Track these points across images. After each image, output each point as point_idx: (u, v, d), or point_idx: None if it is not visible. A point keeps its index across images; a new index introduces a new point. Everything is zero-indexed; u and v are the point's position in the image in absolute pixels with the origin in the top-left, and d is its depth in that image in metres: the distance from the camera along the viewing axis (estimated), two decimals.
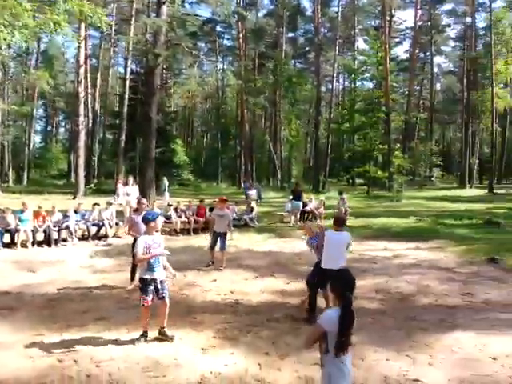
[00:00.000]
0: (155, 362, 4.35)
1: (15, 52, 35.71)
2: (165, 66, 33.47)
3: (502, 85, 35.90)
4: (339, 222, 5.86)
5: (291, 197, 14.64)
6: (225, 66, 45.84)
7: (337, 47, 39.23)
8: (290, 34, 45.45)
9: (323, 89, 46.28)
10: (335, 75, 41.07)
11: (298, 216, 14.50)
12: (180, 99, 46.60)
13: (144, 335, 4.89)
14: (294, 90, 34.81)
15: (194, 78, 37.21)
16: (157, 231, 5.12)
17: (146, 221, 5.03)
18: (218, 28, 42.29)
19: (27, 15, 11.09)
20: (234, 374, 4.12)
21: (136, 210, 7.45)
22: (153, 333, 4.95)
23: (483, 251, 9.44)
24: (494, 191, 29.40)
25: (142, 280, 4.89)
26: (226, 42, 46.42)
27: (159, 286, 4.87)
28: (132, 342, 4.81)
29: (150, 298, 4.84)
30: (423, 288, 6.93)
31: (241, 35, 35.83)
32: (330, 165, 39.70)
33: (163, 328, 4.96)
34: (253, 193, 15.20)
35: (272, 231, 12.84)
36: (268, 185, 35.35)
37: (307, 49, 48.26)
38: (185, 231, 12.15)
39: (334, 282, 2.92)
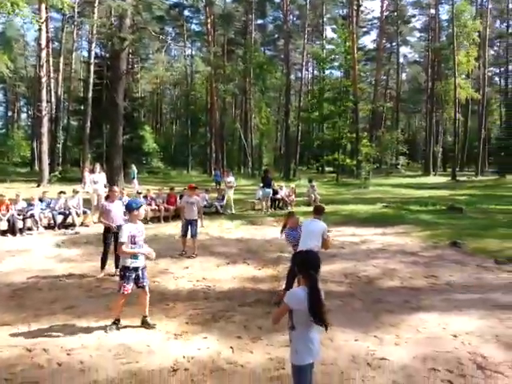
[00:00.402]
0: (127, 349, 4.34)
1: None
2: (131, 51, 32.60)
3: (464, 75, 37.14)
4: (318, 211, 6.01)
5: (261, 184, 14.71)
6: (193, 52, 45.10)
7: (305, 35, 39.33)
8: (259, 21, 45.17)
9: (293, 77, 46.41)
10: (304, 63, 41.24)
11: (269, 203, 14.61)
12: (147, 85, 45.60)
13: (116, 323, 4.85)
14: (264, 78, 34.73)
15: (162, 63, 36.37)
16: (140, 219, 5.05)
17: (129, 209, 4.96)
18: (186, 12, 41.48)
19: None
20: (206, 358, 4.16)
21: (108, 198, 7.31)
22: (125, 321, 4.92)
23: (446, 236, 9.87)
24: (457, 178, 30.68)
25: (124, 268, 4.83)
26: (194, 27, 45.62)
27: (140, 275, 4.86)
28: (103, 329, 4.77)
29: (130, 286, 4.81)
30: (389, 271, 7.20)
31: (209, 20, 35.26)
32: (300, 153, 40.12)
33: (146, 317, 4.94)
34: (231, 180, 15.08)
35: (243, 218, 12.90)
36: (239, 172, 35.33)
37: (276, 36, 48.14)
38: (155, 219, 12.00)
39: (300, 263, 3.01)
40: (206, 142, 39.39)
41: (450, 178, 31.40)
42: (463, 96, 34.79)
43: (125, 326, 4.86)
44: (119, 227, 6.77)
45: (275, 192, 15.30)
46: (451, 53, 32.97)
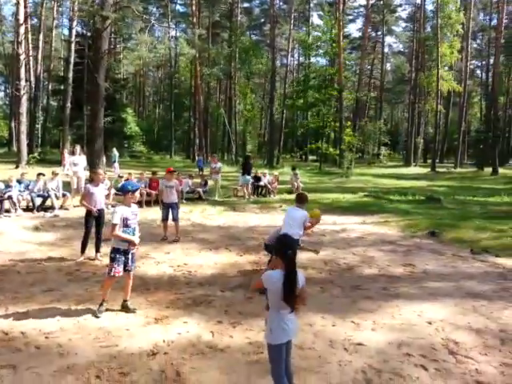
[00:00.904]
0: (107, 333, 4.33)
1: None
2: (113, 30, 31.71)
3: (446, 67, 37.57)
4: (301, 200, 6.09)
5: (242, 171, 14.70)
6: (177, 34, 44.26)
7: (292, 21, 39.03)
8: (246, 4, 44.52)
9: (278, 63, 46.15)
10: (290, 50, 40.99)
11: (250, 190, 14.61)
12: (130, 66, 44.54)
13: (103, 305, 4.84)
14: (249, 63, 34.40)
15: (145, 44, 35.51)
16: (134, 202, 5.01)
17: (125, 191, 4.91)
18: None
19: None
20: (186, 342, 4.19)
21: (92, 181, 7.20)
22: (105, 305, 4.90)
23: (424, 225, 10.09)
24: (436, 170, 31.29)
25: (115, 250, 4.80)
26: (178, 7, 44.73)
27: (130, 258, 4.86)
28: (83, 313, 4.75)
29: (121, 268, 4.80)
30: (368, 259, 7.34)
31: (194, 1, 34.54)
32: (284, 140, 40.18)
33: (126, 301, 4.94)
34: (219, 165, 14.89)
35: (226, 205, 12.89)
36: (222, 159, 35.16)
37: (262, 20, 47.61)
38: (137, 204, 11.84)
39: (276, 245, 3.10)
40: (190, 126, 38.97)
41: (429, 170, 32.00)
42: (445, 88, 35.27)
43: (105, 310, 4.84)
44: (100, 211, 6.72)
45: (258, 179, 15.33)
46: (435, 44, 33.24)
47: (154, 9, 42.87)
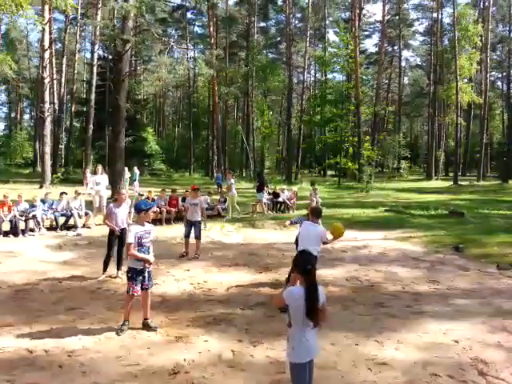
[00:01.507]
0: (128, 351, 4.34)
1: None
2: (134, 53, 32.66)
3: (466, 80, 37.14)
4: (318, 214, 5.89)
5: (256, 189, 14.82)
6: (196, 54, 45.19)
7: (307, 38, 39.43)
8: (262, 24, 45.33)
9: (295, 80, 46.52)
10: (306, 67, 41.34)
11: (265, 207, 14.47)
12: (150, 87, 45.65)
13: (125, 324, 4.87)
14: (266, 81, 34.82)
15: (165, 65, 36.44)
16: (148, 221, 5.06)
17: (138, 210, 4.96)
18: (189, 15, 41.75)
19: None
20: (207, 361, 4.17)
21: (115, 201, 7.34)
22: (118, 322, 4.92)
23: (448, 240, 9.85)
24: (459, 183, 30.62)
25: (131, 269, 4.86)
26: (196, 29, 45.86)
27: (147, 277, 4.89)
28: (105, 331, 4.78)
29: (139, 287, 4.83)
30: (391, 276, 7.18)
31: (211, 23, 35.37)
32: (302, 156, 40.19)
33: (147, 319, 4.95)
34: (230, 182, 14.97)
35: (245, 221, 12.89)
36: (241, 175, 35.36)
37: (278, 39, 48.29)
38: (157, 221, 11.98)
39: (296, 261, 3.07)
40: (208, 144, 39.46)
41: (451, 183, 31.36)
42: (465, 100, 34.80)
43: (127, 328, 4.85)
44: (123, 231, 6.80)
45: (277, 195, 15.32)
46: (453, 57, 32.98)
47: (173, 31, 44.12)
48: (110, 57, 30.36)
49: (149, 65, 44.65)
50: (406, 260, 8.32)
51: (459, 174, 34.88)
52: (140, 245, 4.83)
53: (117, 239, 6.88)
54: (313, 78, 54.28)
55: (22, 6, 11.73)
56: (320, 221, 5.98)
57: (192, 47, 43.75)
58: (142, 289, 4.88)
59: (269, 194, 15.64)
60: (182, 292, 6.30)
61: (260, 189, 14.47)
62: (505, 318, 5.21)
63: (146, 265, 4.87)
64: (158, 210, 12.21)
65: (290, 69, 36.09)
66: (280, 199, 15.25)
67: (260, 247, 9.51)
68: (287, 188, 17.12)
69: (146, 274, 4.88)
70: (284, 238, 10.29)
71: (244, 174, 37.60)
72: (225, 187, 15.91)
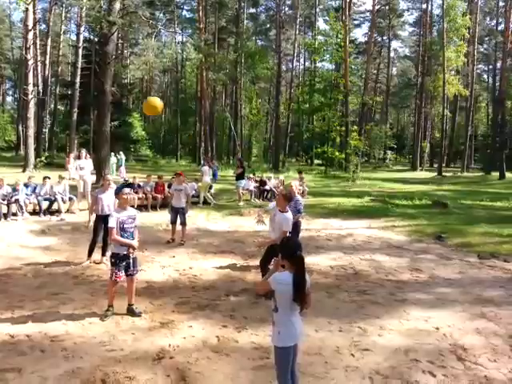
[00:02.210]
0: (112, 336, 4.33)
1: None
2: (120, 36, 31.97)
3: (453, 72, 37.41)
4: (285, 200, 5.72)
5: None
6: (184, 39, 44.46)
7: (297, 26, 39.09)
8: (252, 10, 44.71)
9: (284, 68, 46.23)
10: (296, 54, 41.08)
11: (241, 194, 14.17)
12: (137, 71, 44.84)
13: (109, 310, 4.84)
14: (255, 68, 34.50)
15: (152, 49, 35.79)
16: (130, 205, 5.03)
17: (115, 194, 4.98)
18: None
19: None
20: (192, 347, 4.18)
21: (101, 186, 7.26)
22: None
23: (431, 230, 10.02)
24: (443, 174, 31.08)
25: (114, 254, 4.82)
26: (185, 13, 45.01)
27: (131, 263, 4.84)
28: (88, 316, 4.75)
29: (122, 273, 4.80)
30: (375, 264, 7.28)
31: (200, 7, 34.72)
32: (290, 144, 40.20)
33: (131, 305, 4.93)
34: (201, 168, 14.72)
35: (230, 209, 12.88)
36: (228, 163, 35.21)
37: (268, 26, 47.78)
38: (143, 207, 11.86)
39: (284, 247, 3.07)
40: (196, 131, 39.10)
41: (436, 174, 31.81)
42: (452, 92, 35.10)
43: (111, 314, 4.82)
44: (108, 216, 6.71)
45: (263, 183, 15.33)
46: (441, 48, 33.14)
47: (161, 14, 43.16)
48: (96, 39, 29.65)
49: (136, 48, 43.88)
50: (389, 248, 8.44)
51: (443, 165, 35.39)
52: (123, 230, 4.78)
53: (103, 225, 6.80)
54: (302, 67, 53.99)
55: None
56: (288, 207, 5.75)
57: (180, 31, 42.98)
58: (127, 275, 4.85)
59: (255, 181, 15.63)
60: (167, 278, 6.29)
61: (240, 176, 14.19)
62: (484, 306, 5.35)
63: (130, 250, 4.82)
64: (144, 195, 12.10)
65: (280, 56, 35.81)
66: (267, 187, 15.27)
67: (246, 235, 9.52)
68: (274, 176, 17.14)
69: (131, 261, 4.83)
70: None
71: (231, 162, 37.47)
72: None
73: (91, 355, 3.94)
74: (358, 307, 5.29)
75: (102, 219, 6.69)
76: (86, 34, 32.19)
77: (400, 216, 11.91)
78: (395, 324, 4.80)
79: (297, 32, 38.83)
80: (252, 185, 15.14)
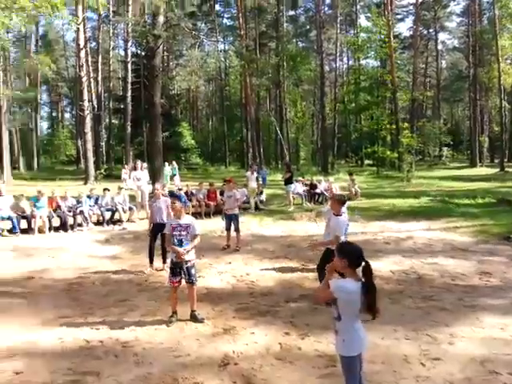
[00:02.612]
0: (178, 342, 4.45)
1: (15, 37, 35.32)
2: (165, 48, 33.03)
3: (508, 60, 35.04)
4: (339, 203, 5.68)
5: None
6: (226, 47, 45.25)
7: (338, 25, 38.44)
8: (291, 13, 44.60)
9: (327, 68, 45.60)
10: (338, 54, 40.42)
11: (292, 198, 14.06)
12: (183, 82, 46.27)
13: (173, 316, 4.99)
14: (297, 70, 34.35)
15: (196, 59, 36.72)
16: (182, 214, 5.09)
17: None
18: (217, 7, 41.71)
19: None
20: (255, 353, 4.20)
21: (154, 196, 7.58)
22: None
23: (498, 230, 9.42)
24: (506, 170, 29.11)
25: (171, 261, 5.02)
26: (225, 21, 45.84)
27: (185, 270, 4.93)
28: (154, 323, 4.92)
29: (176, 279, 4.93)
30: (439, 267, 6.95)
31: (240, 14, 35.15)
32: (338, 146, 39.50)
33: (194, 311, 5.04)
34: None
35: (282, 214, 12.85)
36: (276, 167, 35.26)
37: (308, 27, 47.44)
38: (196, 215, 12.14)
39: (342, 252, 2.88)
40: (243, 137, 39.54)
41: (498, 170, 29.86)
42: (508, 82, 32.81)
43: (175, 320, 4.96)
44: (162, 225, 6.94)
45: (314, 186, 15.19)
46: (494, 37, 31.19)
47: (203, 24, 44.21)
48: (143, 53, 30.88)
49: (180, 60, 45.20)
50: (453, 251, 8.02)
51: (505, 160, 33.16)
52: (175, 237, 4.94)
53: (159, 233, 7.04)
54: (345, 65, 53.00)
55: (57, 7, 12.03)
56: (344, 208, 5.76)
57: (222, 40, 43.83)
58: (186, 282, 4.98)
59: (306, 185, 15.51)
60: (225, 284, 6.39)
61: (289, 180, 14.01)
62: None
63: (178, 258, 4.90)
64: (197, 203, 12.40)
65: (322, 57, 35.40)
66: (317, 190, 15.10)
67: (300, 239, 9.45)
68: (324, 179, 16.91)
69: (185, 268, 4.92)
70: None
71: (280, 166, 37.48)
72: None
73: (160, 361, 4.07)
74: (424, 314, 5.07)
75: (157, 227, 6.97)
76: (134, 49, 33.56)
77: (462, 216, 11.31)
78: (467, 332, 4.54)
79: (338, 31, 38.22)
80: (301, 188, 15.03)
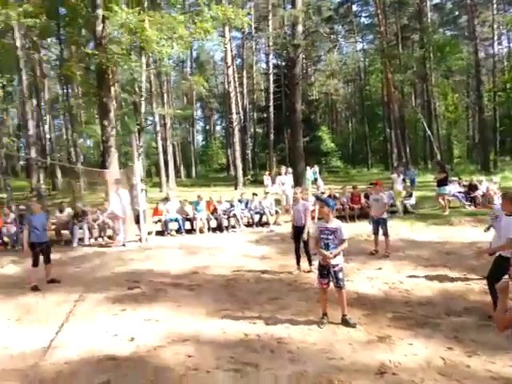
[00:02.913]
0: (331, 345, 4.45)
1: (174, 62, 40.56)
2: (304, 56, 33.70)
3: None
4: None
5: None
6: (365, 46, 43.83)
7: (494, 5, 33.50)
8: (435, 1, 40.72)
9: (482, 54, 40.21)
10: (496, 37, 35.25)
11: (446, 202, 12.45)
12: (321, 86, 46.48)
13: (324, 318, 5.03)
14: (446, 61, 31.21)
15: (335, 62, 36.49)
16: (330, 218, 5.04)
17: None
18: (354, 7, 40.71)
19: (181, 27, 12.52)
20: (415, 366, 3.94)
21: (294, 200, 7.79)
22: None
23: None
24: None
25: (318, 264, 5.08)
26: (363, 20, 44.47)
27: (332, 274, 4.91)
28: (306, 323, 5.01)
29: (324, 281, 4.96)
30: None
31: (379, 11, 33.59)
32: (501, 140, 34.50)
33: (345, 315, 5.00)
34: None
35: (435, 218, 11.77)
36: (425, 167, 32.62)
37: (456, 13, 42.65)
38: (341, 218, 11.96)
39: None
40: (386, 137, 37.72)
41: None
42: None
43: (327, 322, 4.98)
44: (299, 227, 7.13)
45: (474, 187, 13.50)
46: None
47: (340, 27, 43.74)
48: (284, 63, 32.10)
49: (318, 65, 45.57)
50: None
51: None
52: (321, 240, 4.96)
53: (298, 235, 7.18)
54: (505, 49, 45.96)
55: (208, 31, 13.40)
56: None
57: (360, 40, 42.71)
58: (335, 286, 4.95)
59: (464, 186, 13.88)
60: (376, 291, 6.15)
61: (443, 182, 12.40)
62: None
63: (324, 261, 4.89)
64: (341, 206, 12.25)
65: (475, 43, 31.42)
66: (479, 192, 13.29)
67: (459, 246, 8.52)
68: (486, 178, 14.84)
69: (332, 271, 4.88)
70: (489, 236, 9.03)
71: (429, 166, 34.55)
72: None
73: (314, 361, 4.13)
74: None
75: (296, 230, 7.16)
76: (274, 61, 35.16)
77: None
78: None
79: (494, 12, 33.35)
80: (458, 189, 13.51)
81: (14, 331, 5.16)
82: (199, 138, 59.56)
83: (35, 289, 6.77)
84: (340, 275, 4.93)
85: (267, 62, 32.93)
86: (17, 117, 37.60)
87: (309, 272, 7.10)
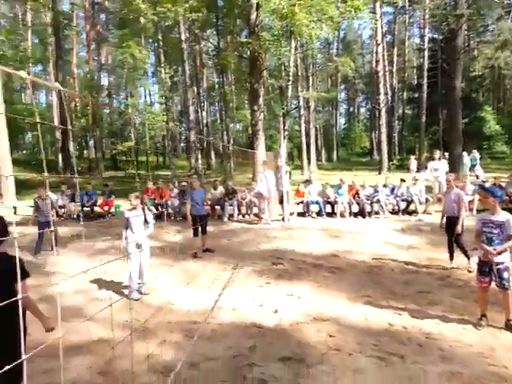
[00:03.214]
0: (492, 350, 3.96)
1: (321, 44, 40.17)
2: (466, 27, 29.78)
3: None
4: None
5: None
6: None
7: None
8: None
9: None
10: None
11: None
12: (487, 60, 40.40)
13: (483, 319, 4.52)
14: None
15: (508, 31, 31.24)
16: (497, 209, 4.49)
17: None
18: None
19: (331, 8, 12.22)
20: None
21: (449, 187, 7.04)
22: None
23: None
24: None
25: (478, 259, 4.56)
26: None
27: (496, 272, 4.34)
28: (460, 321, 4.57)
29: (485, 279, 4.42)
30: None
31: None
32: None
33: (510, 320, 4.40)
34: None
35: None
36: None
37: None
38: (509, 211, 10.36)
39: None
40: None
41: None
42: None
43: (486, 325, 4.46)
44: (456, 218, 6.39)
45: None
46: None
47: None
48: (441, 37, 28.94)
49: (483, 36, 39.66)
50: None
51: None
52: (483, 233, 4.43)
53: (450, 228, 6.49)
54: None
55: (359, 9, 12.85)
56: None
57: None
58: (497, 286, 4.36)
59: None
60: None
61: None
62: None
63: (487, 257, 4.33)
64: (507, 198, 10.64)
65: None
66: None
67: None
68: None
69: (494, 269, 4.30)
70: None
71: None
72: None
73: (469, 364, 3.74)
74: None
75: (449, 220, 6.52)
76: (430, 35, 31.99)
77: None
78: None
79: None
80: None
81: (184, 292, 5.90)
82: (342, 120, 58.48)
83: (195, 256, 7.70)
84: (505, 274, 4.32)
85: (422, 37, 30.18)
86: (180, 103, 42.40)
87: (467, 270, 6.35)
